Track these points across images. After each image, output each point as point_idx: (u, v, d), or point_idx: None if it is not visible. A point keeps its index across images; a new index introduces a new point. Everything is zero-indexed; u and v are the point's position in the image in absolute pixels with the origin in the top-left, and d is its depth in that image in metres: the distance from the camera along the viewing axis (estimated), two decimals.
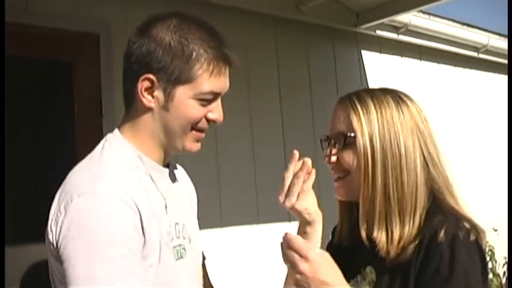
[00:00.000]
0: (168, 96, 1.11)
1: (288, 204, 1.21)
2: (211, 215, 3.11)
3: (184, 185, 1.35)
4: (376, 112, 1.17)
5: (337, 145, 1.21)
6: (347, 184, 1.22)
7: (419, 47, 4.54)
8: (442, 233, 1.09)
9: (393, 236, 1.14)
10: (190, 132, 1.15)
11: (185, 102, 1.12)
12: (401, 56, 4.52)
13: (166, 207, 1.17)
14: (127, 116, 1.18)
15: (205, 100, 1.13)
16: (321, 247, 1.22)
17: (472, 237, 1.10)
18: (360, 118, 1.17)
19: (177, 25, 1.12)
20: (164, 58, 1.10)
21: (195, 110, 1.13)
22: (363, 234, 1.17)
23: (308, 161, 1.20)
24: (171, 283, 1.13)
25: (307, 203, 1.22)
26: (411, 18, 4.16)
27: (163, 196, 1.17)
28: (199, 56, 1.11)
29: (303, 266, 1.03)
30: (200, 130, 1.17)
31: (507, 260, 4.62)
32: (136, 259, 1.02)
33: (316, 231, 1.25)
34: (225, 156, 3.24)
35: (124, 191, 1.05)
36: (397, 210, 1.14)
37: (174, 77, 1.10)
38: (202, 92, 1.12)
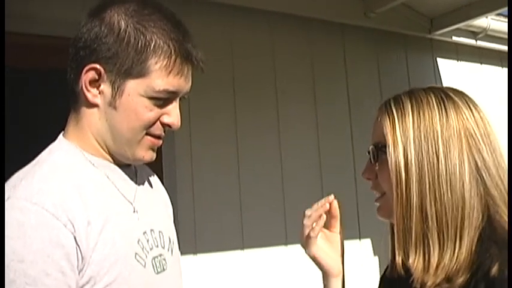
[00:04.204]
0: (116, 90, 0.96)
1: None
2: (276, 234, 3.02)
3: (158, 191, 1.19)
4: (413, 115, 0.98)
5: (373, 159, 1.04)
6: (386, 203, 1.04)
7: (501, 52, 4.28)
8: (495, 269, 0.89)
9: (430, 262, 0.94)
10: (143, 138, 0.99)
11: (135, 99, 0.96)
12: (481, 63, 4.29)
13: (135, 211, 1.02)
14: (71, 116, 1.02)
15: (159, 99, 0.97)
16: None
17: None
18: (393, 125, 0.99)
19: (136, 9, 0.96)
20: (115, 45, 0.94)
21: (146, 110, 0.97)
22: (398, 260, 0.97)
23: (330, 200, 1.09)
24: None
25: (316, 251, 1.11)
26: (490, 22, 3.95)
27: (128, 200, 1.02)
28: (156, 48, 0.95)
29: None
30: (156, 136, 1.01)
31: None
32: (51, 282, 0.85)
33: None
34: (291, 171, 3.14)
35: (47, 197, 0.88)
36: (435, 232, 0.94)
37: (124, 68, 0.95)
38: (155, 89, 0.96)
